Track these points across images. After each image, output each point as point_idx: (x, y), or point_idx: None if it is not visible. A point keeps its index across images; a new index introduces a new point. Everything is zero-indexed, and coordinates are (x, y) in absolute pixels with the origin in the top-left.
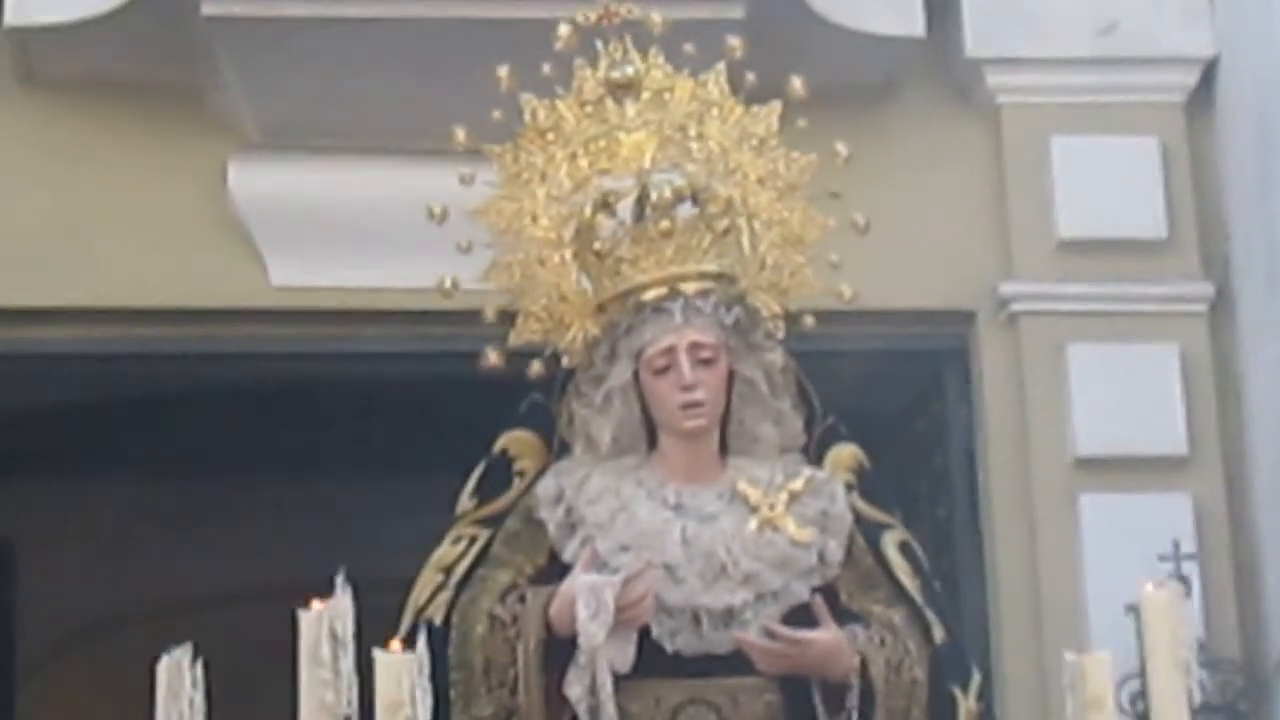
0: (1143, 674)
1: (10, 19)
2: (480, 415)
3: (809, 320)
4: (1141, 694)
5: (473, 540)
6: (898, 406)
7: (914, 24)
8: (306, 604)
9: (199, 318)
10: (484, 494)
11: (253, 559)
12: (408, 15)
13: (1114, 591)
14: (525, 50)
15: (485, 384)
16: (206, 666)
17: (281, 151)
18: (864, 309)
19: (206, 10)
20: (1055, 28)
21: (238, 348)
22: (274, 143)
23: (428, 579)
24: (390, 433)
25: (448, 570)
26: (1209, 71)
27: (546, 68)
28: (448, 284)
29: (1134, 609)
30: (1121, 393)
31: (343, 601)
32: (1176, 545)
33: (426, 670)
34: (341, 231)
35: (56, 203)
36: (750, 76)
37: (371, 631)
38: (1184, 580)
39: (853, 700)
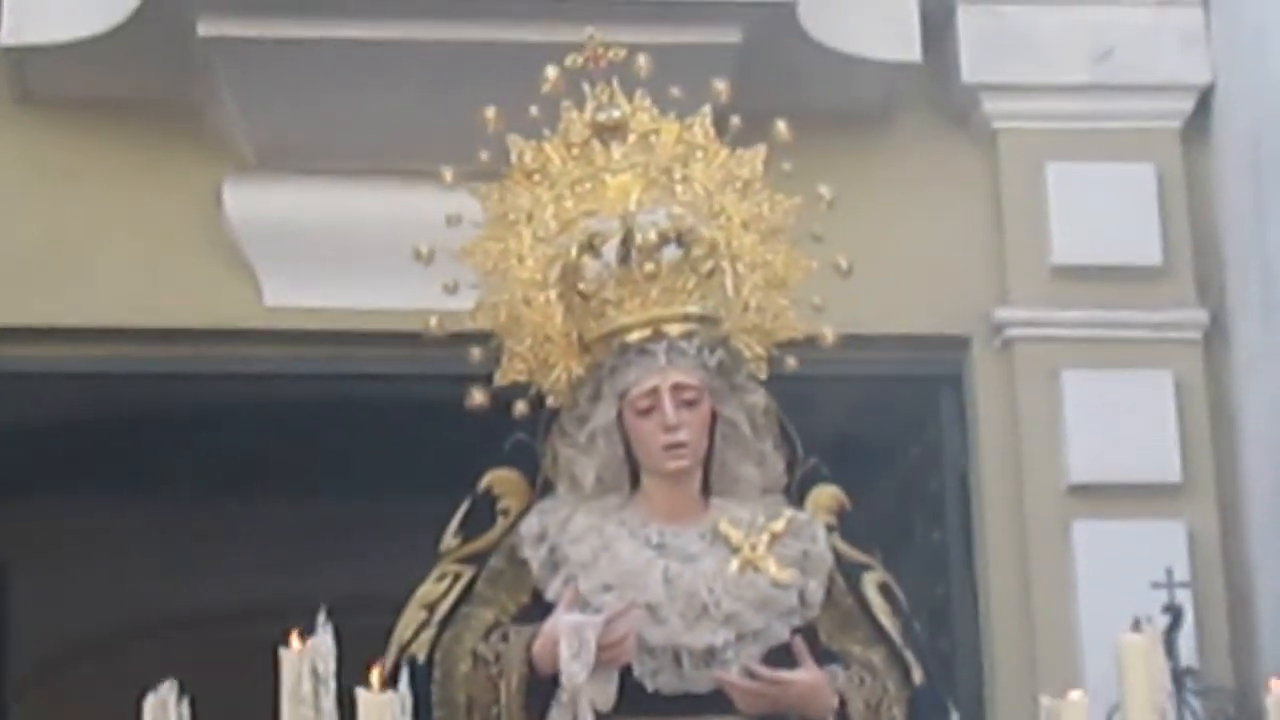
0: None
1: (7, 38)
2: (474, 436)
3: (791, 361)
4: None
5: (457, 578)
6: (892, 432)
7: (911, 49)
8: (286, 639)
9: (193, 337)
10: (468, 532)
11: (246, 577)
12: (404, 37)
13: (1107, 618)
14: (522, 73)
15: (495, 391)
16: (193, 703)
17: (276, 172)
18: (859, 334)
19: (203, 31)
20: (1052, 54)
21: (232, 368)
22: (269, 164)
23: (412, 616)
24: (384, 453)
25: (432, 607)
26: (1205, 98)
27: (534, 109)
28: (433, 324)
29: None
30: (1116, 420)
31: (324, 640)
32: (1170, 573)
33: (409, 708)
34: (336, 252)
35: (52, 222)
36: (735, 120)
37: (364, 649)
38: (1177, 608)
39: None
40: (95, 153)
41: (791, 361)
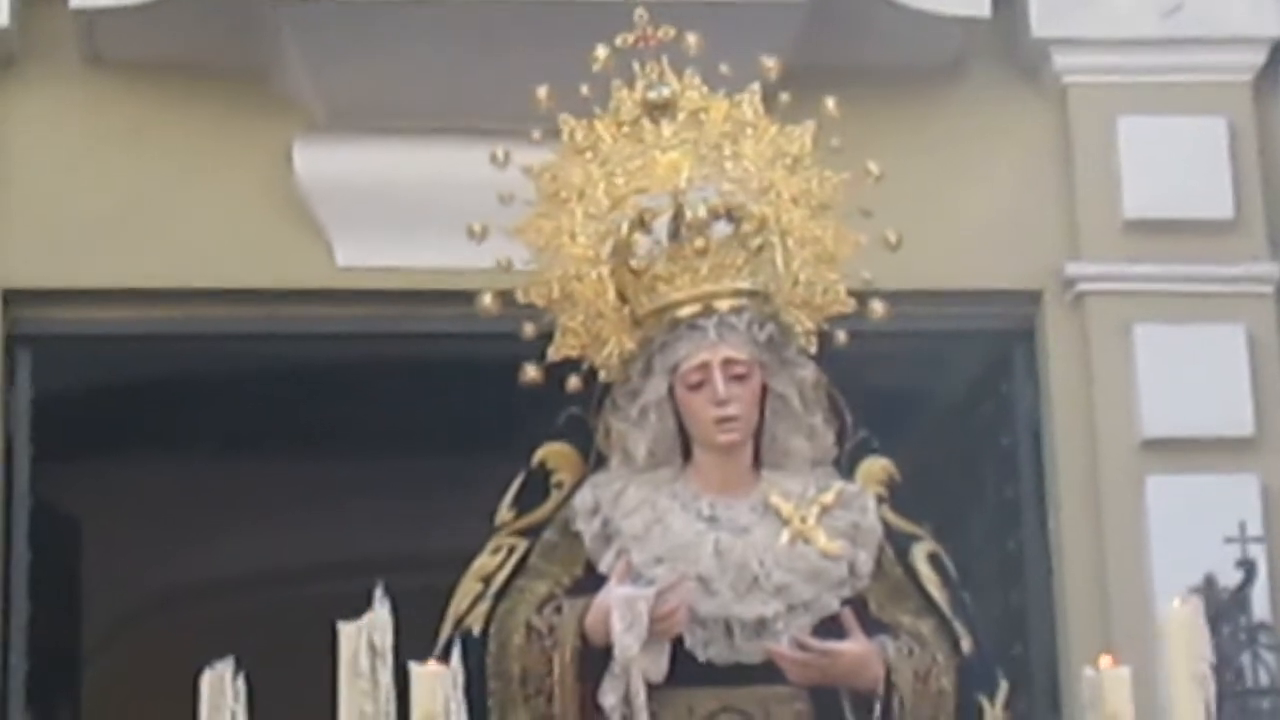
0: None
1: (76, 1)
2: (543, 395)
3: (841, 336)
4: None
5: (511, 551)
6: (964, 387)
7: (980, 5)
8: (337, 619)
9: (264, 298)
10: (522, 505)
11: (315, 536)
12: None
13: (1181, 573)
14: (591, 31)
15: (549, 366)
16: (249, 679)
17: (346, 132)
18: (931, 289)
19: None
20: (1122, 8)
21: (303, 328)
22: (339, 123)
23: (467, 588)
24: (455, 412)
25: (487, 580)
26: (1276, 51)
27: (584, 88)
28: (487, 301)
29: (1199, 591)
30: (1188, 373)
31: (381, 614)
32: (1243, 527)
33: (461, 683)
34: (407, 212)
35: (122, 184)
36: (785, 96)
37: (430, 608)
38: (1250, 563)
39: (878, 711)
40: (165, 114)
41: (842, 336)
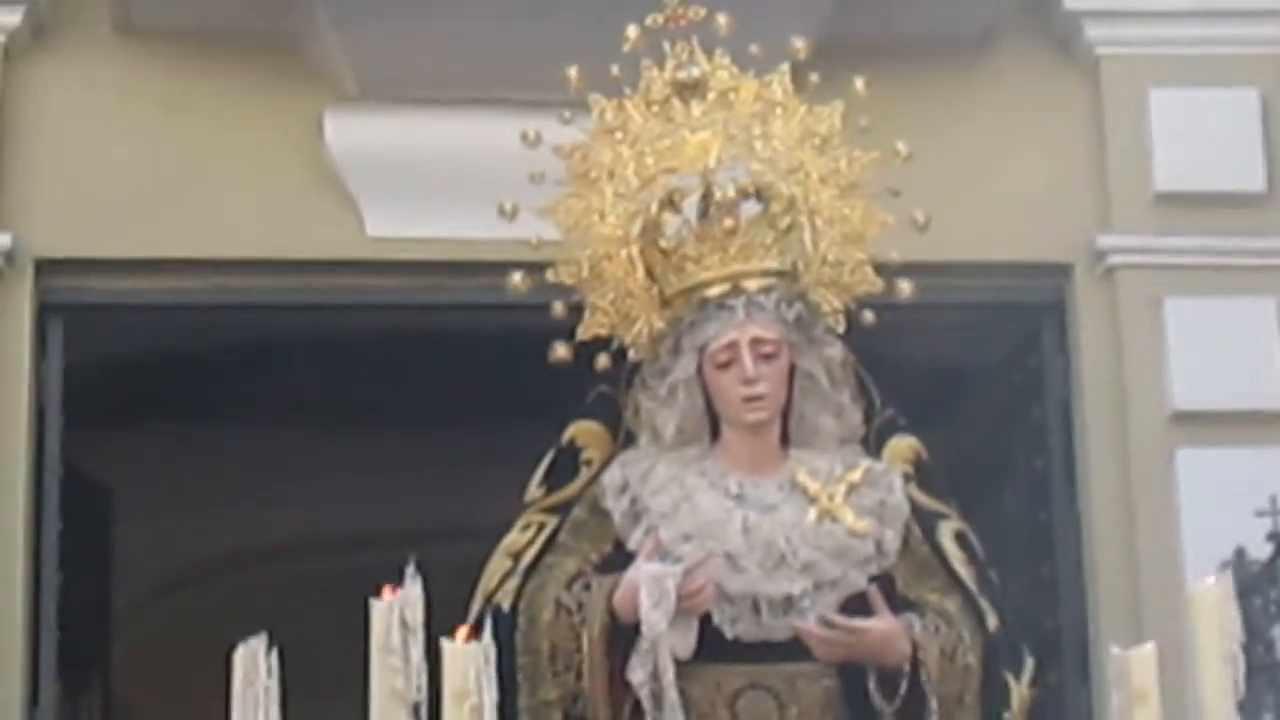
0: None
1: None
2: (573, 366)
3: (868, 315)
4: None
5: (541, 528)
6: (995, 359)
7: None
8: (373, 593)
9: (295, 268)
10: (552, 483)
11: (347, 507)
12: None
13: (1211, 546)
14: (620, 9)
15: (578, 344)
16: (281, 655)
17: (377, 103)
18: (961, 262)
19: None
20: None
21: (334, 298)
22: (370, 94)
23: (497, 565)
24: (485, 382)
25: (516, 556)
26: None
27: (615, 69)
28: (517, 279)
29: (1229, 564)
30: (1219, 347)
31: (413, 590)
32: (1274, 500)
33: (493, 660)
34: (437, 182)
35: (154, 154)
36: (814, 77)
37: (461, 582)
38: None
39: (904, 686)
40: (196, 84)
41: (869, 315)
